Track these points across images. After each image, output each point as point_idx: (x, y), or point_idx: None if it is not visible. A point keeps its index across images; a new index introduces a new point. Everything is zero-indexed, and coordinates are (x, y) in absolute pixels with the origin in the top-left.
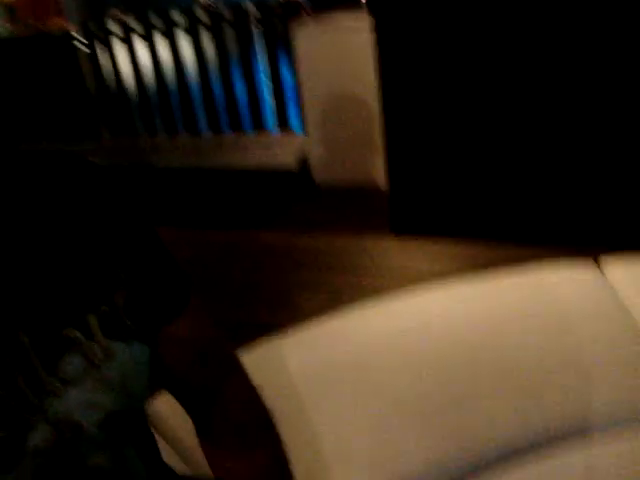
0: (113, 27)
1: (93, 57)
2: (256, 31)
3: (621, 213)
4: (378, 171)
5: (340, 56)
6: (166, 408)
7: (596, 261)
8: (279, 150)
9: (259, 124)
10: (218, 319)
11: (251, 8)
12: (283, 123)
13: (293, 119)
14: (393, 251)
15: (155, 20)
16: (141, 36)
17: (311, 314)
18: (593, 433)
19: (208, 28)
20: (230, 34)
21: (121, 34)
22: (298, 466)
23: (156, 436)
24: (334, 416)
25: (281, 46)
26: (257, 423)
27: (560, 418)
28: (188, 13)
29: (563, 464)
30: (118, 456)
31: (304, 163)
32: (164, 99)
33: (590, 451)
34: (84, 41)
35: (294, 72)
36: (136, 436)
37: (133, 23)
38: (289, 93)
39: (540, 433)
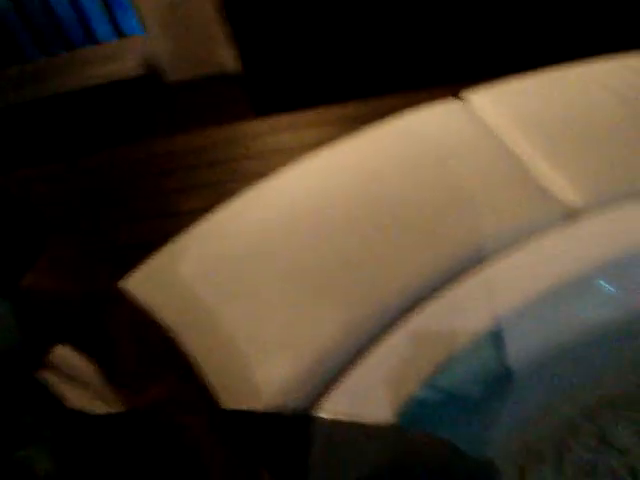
0: None
1: None
2: None
3: (474, 44)
4: (229, 58)
5: None
6: (67, 356)
7: (460, 96)
8: (120, 58)
9: (92, 37)
10: (98, 251)
11: None
12: (118, 29)
13: (129, 21)
14: (264, 133)
15: None
16: None
17: (195, 216)
18: (487, 256)
19: None
20: None
21: None
22: (213, 374)
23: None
24: (240, 310)
25: None
26: (154, 351)
27: (456, 249)
28: None
29: (466, 291)
30: None
31: (151, 65)
32: None
33: (487, 273)
34: None
35: None
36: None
37: None
38: None
39: (440, 270)
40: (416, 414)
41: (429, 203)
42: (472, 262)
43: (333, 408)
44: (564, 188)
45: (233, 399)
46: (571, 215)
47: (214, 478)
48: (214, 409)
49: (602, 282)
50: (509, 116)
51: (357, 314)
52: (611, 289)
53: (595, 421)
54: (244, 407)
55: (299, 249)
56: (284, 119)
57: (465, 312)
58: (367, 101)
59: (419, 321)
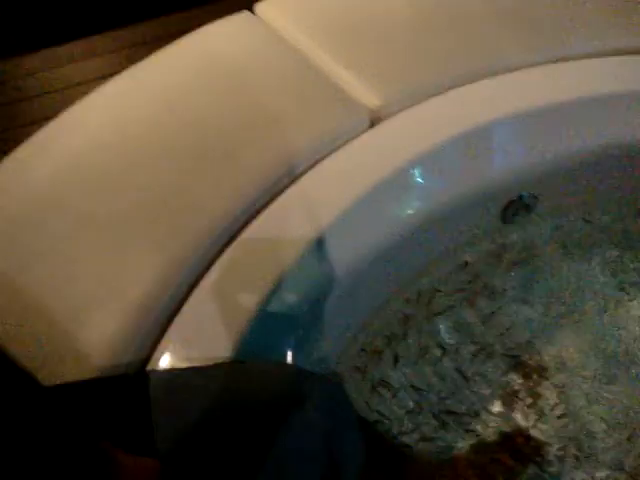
0: None
1: None
2: None
3: None
4: None
5: None
6: None
7: (252, 9)
8: None
9: None
10: None
11: None
12: None
13: None
14: (38, 69)
15: None
16: None
17: None
18: (300, 170)
19: None
20: None
21: None
22: (26, 351)
23: None
24: (45, 272)
25: None
26: None
27: (267, 168)
28: None
29: (284, 209)
30: None
31: None
32: None
33: (303, 187)
34: None
35: None
36: None
37: None
38: None
39: (255, 193)
40: (253, 344)
41: (233, 124)
42: (286, 179)
43: (168, 356)
44: (366, 93)
45: (56, 373)
46: (375, 118)
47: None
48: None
49: (413, 176)
50: (303, 25)
51: (176, 252)
52: (421, 181)
53: (421, 313)
54: (70, 379)
55: (98, 194)
56: (60, 51)
57: (286, 230)
58: (150, 22)
59: (241, 248)
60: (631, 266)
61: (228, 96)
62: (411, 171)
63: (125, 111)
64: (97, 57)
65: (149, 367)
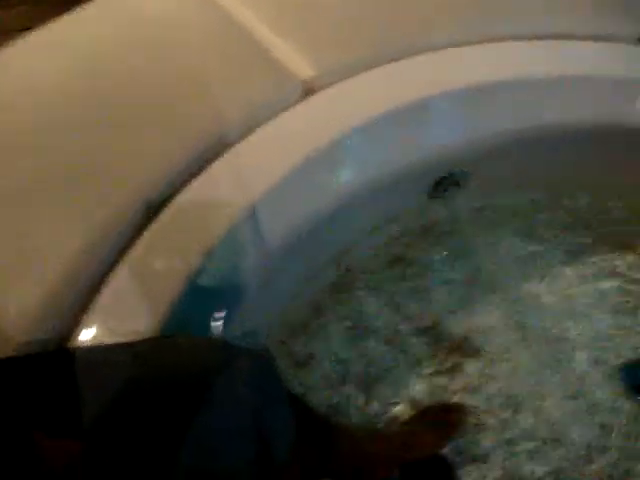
0: None
1: None
2: None
3: None
4: None
5: None
6: None
7: None
8: None
9: None
10: None
11: None
12: None
13: None
14: None
15: None
16: None
17: None
18: (231, 141)
19: None
20: None
21: None
22: None
23: None
24: None
25: None
26: None
27: (197, 139)
28: None
29: (214, 181)
30: None
31: None
32: None
33: (235, 158)
34: None
35: None
36: None
37: None
38: None
39: (185, 164)
40: (180, 317)
41: (161, 90)
42: (216, 148)
43: (91, 331)
44: (300, 63)
45: None
46: (309, 89)
47: None
48: None
49: (346, 149)
50: None
51: (100, 222)
52: (354, 154)
53: (350, 286)
54: None
55: (10, 159)
56: None
57: (216, 200)
58: None
59: (169, 219)
60: (555, 242)
61: (154, 60)
62: (344, 143)
63: (39, 70)
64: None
65: (71, 343)
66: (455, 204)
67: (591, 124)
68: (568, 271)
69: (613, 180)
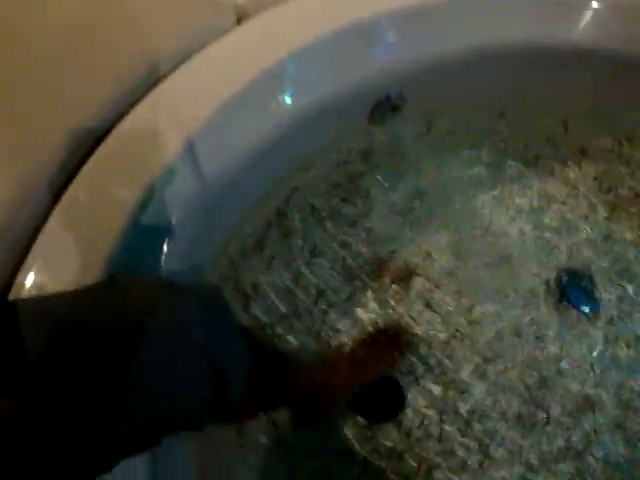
0: None
1: None
2: None
3: None
4: None
5: None
6: None
7: None
8: None
9: None
10: None
11: None
12: None
13: None
14: None
15: None
16: None
17: None
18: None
19: None
20: None
21: None
22: None
23: None
24: None
25: None
26: None
27: (131, 72)
28: None
29: (150, 114)
30: None
31: None
32: None
33: (170, 89)
34: None
35: None
36: None
37: None
38: None
39: (120, 96)
40: (123, 258)
41: (83, 20)
42: (148, 80)
43: (30, 281)
44: None
45: None
46: (242, 15)
47: None
48: None
49: (286, 72)
50: None
51: (32, 164)
52: (294, 77)
53: (293, 215)
54: None
55: None
56: None
57: (153, 134)
58: None
59: (104, 157)
60: (496, 166)
61: None
62: (284, 67)
63: None
64: None
65: (10, 295)
66: (395, 129)
67: (529, 44)
68: (509, 192)
69: (555, 101)
